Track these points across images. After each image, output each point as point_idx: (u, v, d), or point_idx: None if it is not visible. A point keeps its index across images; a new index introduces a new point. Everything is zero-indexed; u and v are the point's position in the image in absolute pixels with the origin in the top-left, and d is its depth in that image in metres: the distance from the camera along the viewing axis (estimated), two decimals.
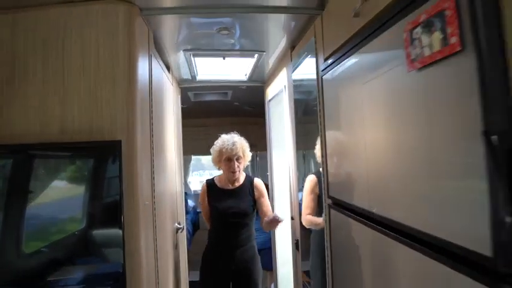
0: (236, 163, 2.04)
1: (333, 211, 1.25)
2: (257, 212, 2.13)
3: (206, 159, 6.07)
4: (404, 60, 0.73)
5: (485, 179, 0.53)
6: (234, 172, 2.05)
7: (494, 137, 0.52)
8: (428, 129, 0.68)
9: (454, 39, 0.58)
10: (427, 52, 0.65)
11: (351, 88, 1.09)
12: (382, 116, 0.90)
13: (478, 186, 0.54)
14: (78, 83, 1.26)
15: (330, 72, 1.26)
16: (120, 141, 1.18)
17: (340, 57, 1.14)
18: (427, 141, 0.69)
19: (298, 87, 2.00)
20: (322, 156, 1.39)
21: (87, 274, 1.26)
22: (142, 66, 1.44)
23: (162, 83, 1.97)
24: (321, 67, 1.34)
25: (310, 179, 1.76)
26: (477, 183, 0.55)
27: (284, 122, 2.22)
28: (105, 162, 1.22)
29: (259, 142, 3.78)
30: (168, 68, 2.35)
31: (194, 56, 2.10)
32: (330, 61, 1.24)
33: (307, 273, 2.26)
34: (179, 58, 2.21)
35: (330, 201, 1.29)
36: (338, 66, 1.18)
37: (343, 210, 1.16)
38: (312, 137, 2.00)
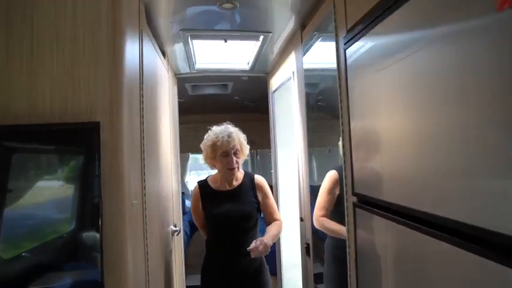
0: (234, 158, 1.72)
1: (359, 210, 1.04)
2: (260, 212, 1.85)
3: None
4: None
5: None
6: (232, 169, 1.73)
7: None
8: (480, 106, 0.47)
9: None
10: None
11: (383, 64, 0.87)
12: (425, 96, 0.69)
13: None
14: (51, 57, 1.04)
15: (354, 45, 1.04)
16: (98, 123, 0.95)
17: (370, 23, 0.93)
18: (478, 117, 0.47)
19: (305, 78, 1.79)
20: (343, 147, 1.18)
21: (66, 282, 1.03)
22: (131, 41, 1.22)
23: (155, 66, 1.75)
24: (343, 41, 1.12)
25: (330, 176, 1.53)
26: None
27: (291, 115, 1.99)
28: (82, 150, 0.99)
29: (259, 139, 3.57)
30: (163, 54, 2.13)
31: (192, 37, 1.88)
32: (355, 31, 1.02)
33: (314, 277, 2.05)
34: (176, 41, 1.99)
35: (355, 199, 1.07)
36: (366, 37, 0.96)
37: (372, 209, 0.95)
38: (323, 133, 1.81)
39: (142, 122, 1.36)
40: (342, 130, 1.17)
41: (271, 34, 1.85)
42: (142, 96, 1.36)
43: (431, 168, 0.69)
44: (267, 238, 1.66)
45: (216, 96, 3.55)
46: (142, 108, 1.37)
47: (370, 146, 0.99)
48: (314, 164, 3.17)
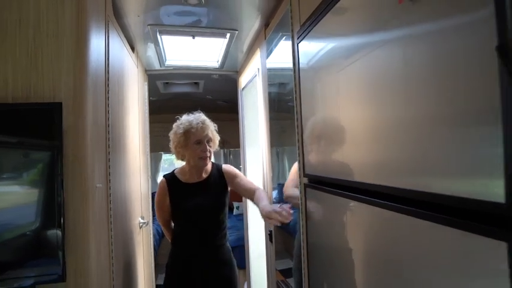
0: (207, 146, 1.67)
1: (308, 190, 1.13)
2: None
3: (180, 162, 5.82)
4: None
5: (500, 108, 0.42)
6: (205, 158, 1.66)
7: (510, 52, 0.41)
8: (428, 70, 0.57)
9: None
10: None
11: (327, 54, 0.98)
12: (361, 86, 0.79)
13: (490, 122, 0.44)
14: (13, 41, 1.07)
15: (305, 38, 1.15)
16: (60, 104, 0.99)
17: (318, 16, 1.03)
18: (432, 77, 0.58)
19: (272, 78, 1.88)
20: (297, 134, 1.27)
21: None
22: (96, 30, 1.26)
23: (122, 60, 1.79)
24: (296, 35, 1.23)
25: (296, 166, 1.59)
26: (489, 118, 0.44)
27: (257, 111, 2.09)
28: (43, 132, 1.02)
29: (233, 139, 3.63)
30: (133, 49, 2.16)
31: (161, 33, 1.93)
32: (306, 25, 1.13)
33: (282, 272, 2.13)
34: (145, 37, 2.03)
35: (306, 180, 1.17)
36: (313, 31, 1.07)
37: (319, 186, 1.04)
38: (294, 133, 1.88)
39: (108, 111, 1.40)
40: (296, 119, 1.27)
41: (237, 32, 1.94)
42: (108, 86, 1.40)
43: (375, 147, 0.79)
44: (267, 203, 1.48)
45: (188, 95, 3.59)
46: (108, 98, 1.40)
47: (315, 132, 1.09)
48: (286, 163, 3.28)
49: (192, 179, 1.73)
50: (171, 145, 1.75)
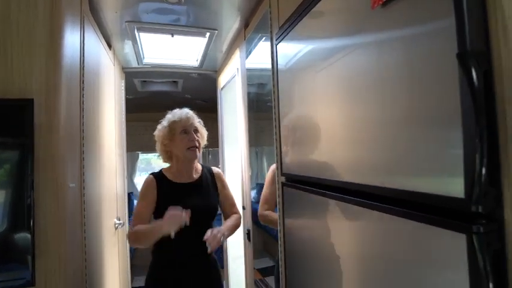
0: (195, 136, 1.54)
1: (286, 188, 1.16)
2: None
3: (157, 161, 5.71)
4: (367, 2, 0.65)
5: (459, 111, 0.45)
6: (194, 148, 1.51)
7: (470, 60, 0.45)
8: (397, 72, 0.60)
9: None
10: None
11: (304, 56, 1.00)
12: (344, 74, 0.82)
13: (452, 123, 0.47)
14: None
15: (284, 40, 1.17)
16: (31, 101, 0.96)
17: (296, 19, 1.05)
18: (396, 80, 0.61)
19: (251, 78, 1.90)
20: (275, 134, 1.29)
21: None
22: (71, 25, 1.23)
23: (98, 57, 1.74)
24: (275, 37, 1.25)
25: (272, 168, 1.56)
26: (451, 119, 0.48)
27: (236, 111, 2.10)
28: (14, 130, 0.98)
29: (212, 138, 3.61)
30: (109, 45, 2.11)
31: (139, 30, 1.90)
32: (285, 27, 1.15)
33: (261, 270, 2.15)
34: (122, 34, 1.99)
35: (283, 178, 1.19)
36: (292, 31, 1.09)
37: (298, 185, 1.07)
38: (268, 133, 1.91)
39: (83, 109, 1.36)
40: (274, 119, 1.29)
41: (217, 31, 1.94)
42: (83, 83, 1.37)
43: (345, 147, 0.82)
44: (225, 228, 1.50)
45: (167, 93, 3.54)
46: (83, 95, 1.37)
47: (295, 127, 1.11)
48: (265, 162, 3.29)
49: (183, 178, 1.55)
50: (157, 145, 1.60)
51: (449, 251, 0.48)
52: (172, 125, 1.54)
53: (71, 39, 1.22)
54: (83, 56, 1.37)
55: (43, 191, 1.02)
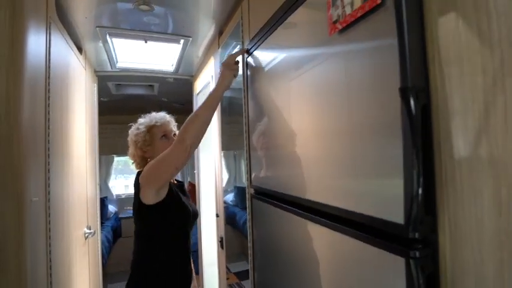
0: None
1: (254, 200, 1.17)
2: None
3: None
4: (326, 26, 0.68)
5: (401, 144, 0.48)
6: None
7: (410, 94, 0.48)
8: (348, 98, 0.63)
9: None
10: (348, 10, 0.60)
11: (275, 68, 1.02)
12: (303, 92, 0.84)
13: (394, 156, 0.50)
14: None
15: (253, 52, 1.18)
16: None
17: (264, 35, 1.08)
18: (344, 110, 0.64)
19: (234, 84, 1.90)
20: (245, 145, 1.31)
21: None
22: (35, 31, 1.19)
23: (67, 62, 1.70)
24: (246, 48, 1.26)
25: None
26: (393, 152, 0.50)
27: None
28: None
29: None
30: (80, 50, 2.06)
31: (111, 35, 1.86)
32: (254, 41, 1.17)
33: (237, 274, 2.15)
34: (93, 39, 1.94)
35: (252, 190, 1.21)
36: (261, 45, 1.11)
37: (264, 198, 1.09)
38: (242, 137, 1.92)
39: (48, 119, 1.32)
40: (245, 131, 1.30)
41: (191, 38, 1.93)
42: (49, 92, 1.33)
43: (303, 165, 0.84)
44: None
45: (143, 96, 3.48)
46: (49, 104, 1.33)
47: (262, 140, 1.13)
48: (243, 166, 3.30)
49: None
50: (133, 151, 1.43)
51: (391, 272, 0.51)
52: (152, 129, 1.42)
53: (35, 46, 1.18)
54: (49, 62, 1.33)
55: (1, 207, 0.98)
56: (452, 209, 0.46)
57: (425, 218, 0.46)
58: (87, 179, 2.18)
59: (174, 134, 1.46)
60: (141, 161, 1.43)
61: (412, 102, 0.47)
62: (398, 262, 0.49)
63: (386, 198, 0.52)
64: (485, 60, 0.41)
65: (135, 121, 1.51)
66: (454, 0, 0.45)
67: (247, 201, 1.29)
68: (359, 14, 0.57)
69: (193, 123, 1.14)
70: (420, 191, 0.46)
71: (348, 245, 0.61)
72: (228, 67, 1.19)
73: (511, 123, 0.40)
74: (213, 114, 1.20)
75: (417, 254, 0.46)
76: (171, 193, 1.26)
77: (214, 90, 1.19)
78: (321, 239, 0.72)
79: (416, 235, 0.46)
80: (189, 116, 1.17)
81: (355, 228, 0.59)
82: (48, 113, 1.32)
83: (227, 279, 1.89)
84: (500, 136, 0.41)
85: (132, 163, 1.48)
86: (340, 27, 0.62)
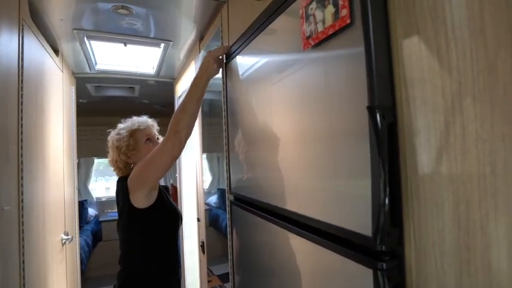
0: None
1: (233, 207, 1.18)
2: None
3: None
4: (300, 40, 0.69)
5: (368, 159, 0.50)
6: None
7: (377, 113, 0.49)
8: (322, 116, 0.65)
9: (344, 12, 0.55)
10: (320, 28, 0.62)
11: (253, 76, 1.03)
12: (280, 102, 0.86)
13: (363, 167, 0.52)
14: None
15: (233, 60, 1.19)
16: None
17: (243, 43, 1.08)
18: (318, 126, 0.65)
19: (208, 86, 1.89)
20: (225, 151, 1.31)
21: None
22: (7, 32, 1.16)
23: (42, 64, 1.65)
24: (224, 56, 1.27)
25: None
26: (362, 164, 0.52)
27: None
28: None
29: None
30: (56, 52, 2.00)
31: (89, 38, 1.82)
32: (233, 49, 1.17)
33: (220, 277, 2.15)
34: (71, 40, 1.89)
35: (232, 197, 1.21)
36: (240, 53, 1.12)
37: (242, 205, 1.10)
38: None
39: (22, 124, 1.28)
40: (224, 136, 1.31)
41: (172, 42, 1.92)
42: (22, 97, 1.29)
43: (278, 174, 0.85)
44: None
45: (123, 98, 3.42)
46: (22, 109, 1.29)
47: (240, 146, 1.14)
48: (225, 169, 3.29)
49: None
50: (115, 156, 1.38)
51: (360, 283, 0.53)
52: (135, 133, 1.39)
53: (5, 50, 1.14)
54: (22, 65, 1.29)
55: None
56: (417, 222, 0.49)
57: (391, 230, 0.48)
58: (64, 183, 2.12)
59: (158, 138, 1.44)
60: (124, 167, 1.40)
61: (378, 120, 0.49)
62: (367, 273, 0.50)
63: (356, 211, 0.54)
64: (445, 82, 0.44)
65: (116, 123, 1.48)
66: (416, 24, 0.47)
67: (227, 207, 1.29)
68: (330, 32, 0.58)
69: (184, 114, 1.15)
70: (387, 201, 0.48)
71: (322, 255, 0.63)
72: (212, 57, 1.18)
73: (469, 142, 0.42)
74: (200, 105, 1.19)
75: (384, 265, 0.48)
76: (161, 195, 1.27)
77: (198, 78, 1.17)
78: (297, 249, 0.73)
79: (384, 248, 0.48)
80: (176, 110, 1.17)
81: (329, 239, 0.61)
82: (22, 117, 1.28)
83: (209, 281, 1.89)
84: (459, 154, 0.43)
85: (114, 170, 1.43)
86: (312, 43, 0.64)
